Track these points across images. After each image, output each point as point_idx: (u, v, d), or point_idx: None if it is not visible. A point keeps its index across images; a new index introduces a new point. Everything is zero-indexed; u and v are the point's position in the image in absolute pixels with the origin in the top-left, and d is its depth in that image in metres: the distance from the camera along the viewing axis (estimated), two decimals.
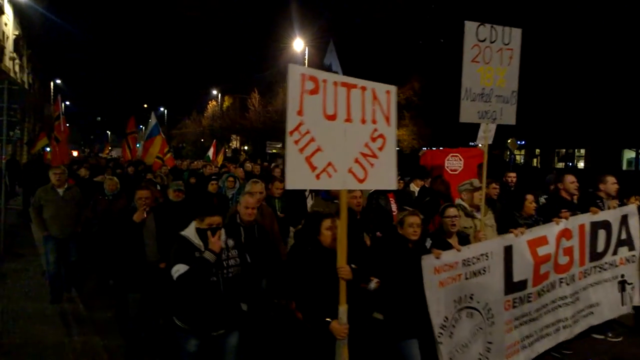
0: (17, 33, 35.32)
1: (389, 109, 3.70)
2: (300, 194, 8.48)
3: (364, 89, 3.53)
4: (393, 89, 3.74)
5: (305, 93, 3.17)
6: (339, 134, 3.37)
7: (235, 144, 54.09)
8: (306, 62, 33.88)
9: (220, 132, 50.81)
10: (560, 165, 36.42)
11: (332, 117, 3.34)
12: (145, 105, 72.91)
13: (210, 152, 17.52)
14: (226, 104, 59.86)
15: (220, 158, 18.70)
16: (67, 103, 53.55)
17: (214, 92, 59.99)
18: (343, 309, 3.42)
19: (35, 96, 41.49)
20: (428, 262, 4.04)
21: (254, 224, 4.93)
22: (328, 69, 45.29)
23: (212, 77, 57.19)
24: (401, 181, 8.78)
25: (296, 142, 3.14)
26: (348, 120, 3.43)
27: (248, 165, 13.62)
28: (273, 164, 15.37)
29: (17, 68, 35.55)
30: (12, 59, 34.21)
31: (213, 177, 7.84)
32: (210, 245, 3.58)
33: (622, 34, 26.15)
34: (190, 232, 3.71)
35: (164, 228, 5.28)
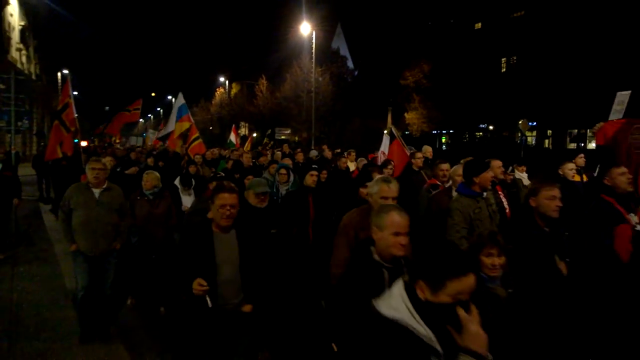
0: (23, 24, 35.27)
1: None
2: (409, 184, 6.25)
3: None
4: None
5: None
6: None
7: (244, 130, 54.01)
8: (314, 46, 33.53)
9: (229, 119, 50.74)
10: (572, 145, 35.91)
11: None
12: (153, 94, 73.24)
13: (233, 138, 15.34)
14: (234, 90, 59.70)
15: (248, 145, 16.49)
16: (75, 93, 53.61)
17: (222, 79, 59.77)
18: None
19: (43, 87, 41.61)
20: None
21: (402, 266, 2.58)
22: (336, 53, 44.79)
23: (219, 64, 57.03)
24: (508, 174, 6.84)
25: None
26: None
27: (278, 154, 11.75)
28: (337, 151, 12.62)
29: (24, 59, 35.58)
30: (19, 49, 34.22)
31: (313, 166, 6.13)
32: (469, 340, 1.66)
33: (630, 14, 25.51)
34: (401, 309, 1.73)
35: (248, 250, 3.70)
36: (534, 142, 38.41)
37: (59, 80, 49.49)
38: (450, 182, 5.36)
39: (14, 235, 9.36)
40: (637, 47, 25.39)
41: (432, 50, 38.48)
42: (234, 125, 17.97)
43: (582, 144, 35.50)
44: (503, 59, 38.73)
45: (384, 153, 8.91)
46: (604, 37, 27.18)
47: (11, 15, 32.40)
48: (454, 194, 4.66)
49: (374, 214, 2.81)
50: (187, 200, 7.18)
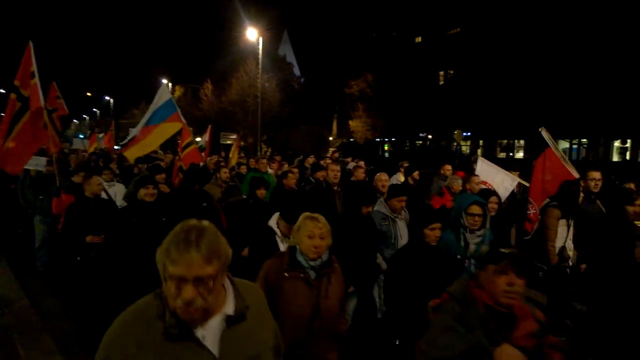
0: None
1: None
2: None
3: None
4: None
5: None
6: None
7: None
8: (260, 51, 34.02)
9: None
10: (502, 155, 38.60)
11: None
12: (89, 94, 70.15)
13: (204, 141, 11.52)
14: (177, 93, 58.62)
15: (234, 156, 12.10)
16: (3, 91, 50.65)
17: (164, 81, 58.52)
18: None
19: None
20: None
21: None
22: (282, 59, 45.42)
23: (161, 65, 55.82)
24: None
25: None
26: None
27: (361, 171, 7.13)
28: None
29: None
30: None
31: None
32: None
33: (557, 30, 28.00)
34: None
35: None
36: (468, 151, 40.87)
37: None
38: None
39: None
40: (562, 63, 27.85)
41: (376, 61, 40.11)
42: (210, 127, 13.80)
43: (511, 154, 38.29)
44: (441, 72, 40.97)
45: (485, 184, 5.89)
46: (532, 53, 29.56)
47: None
48: None
49: None
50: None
